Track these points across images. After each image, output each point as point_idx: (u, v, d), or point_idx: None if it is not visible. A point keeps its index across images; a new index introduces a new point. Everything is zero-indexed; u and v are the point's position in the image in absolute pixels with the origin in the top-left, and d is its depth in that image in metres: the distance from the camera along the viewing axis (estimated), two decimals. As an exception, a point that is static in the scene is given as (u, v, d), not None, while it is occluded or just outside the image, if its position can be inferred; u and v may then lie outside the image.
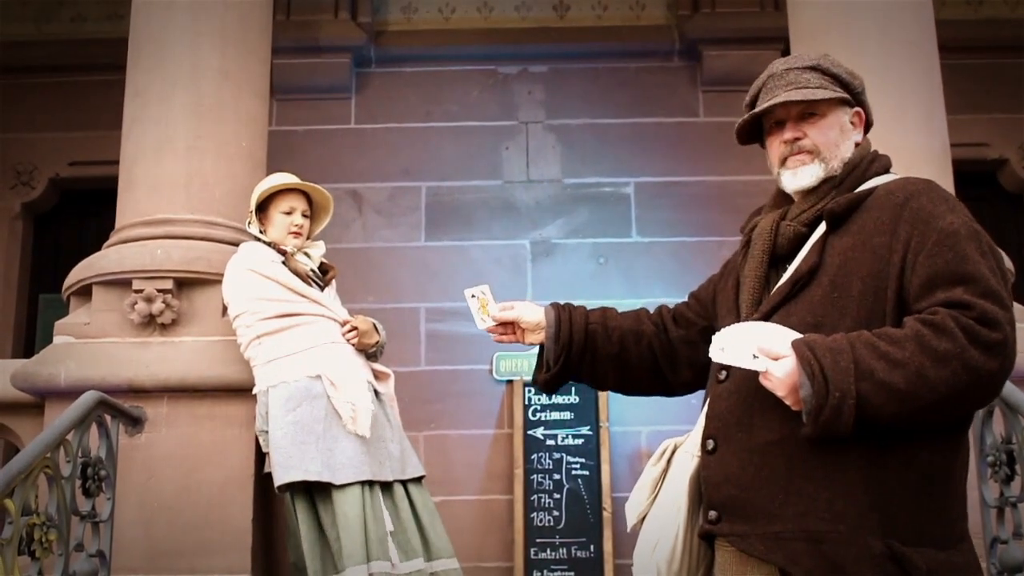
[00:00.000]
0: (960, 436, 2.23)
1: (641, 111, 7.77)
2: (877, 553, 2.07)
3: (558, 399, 7.13)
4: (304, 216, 4.58)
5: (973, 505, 4.20)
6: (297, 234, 4.54)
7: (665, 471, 2.43)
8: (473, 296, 2.75)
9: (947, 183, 5.08)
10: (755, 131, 2.57)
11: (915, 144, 4.99)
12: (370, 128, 7.98)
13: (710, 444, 2.28)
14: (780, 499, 2.15)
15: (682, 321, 2.70)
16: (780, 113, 2.45)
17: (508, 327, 2.74)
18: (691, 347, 2.66)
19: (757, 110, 2.46)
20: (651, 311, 2.78)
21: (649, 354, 2.69)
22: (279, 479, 4.16)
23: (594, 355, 2.68)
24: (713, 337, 2.23)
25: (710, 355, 2.22)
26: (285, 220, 4.53)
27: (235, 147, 5.13)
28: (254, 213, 4.55)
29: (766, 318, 2.28)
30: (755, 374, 2.18)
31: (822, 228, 2.34)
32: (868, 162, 2.48)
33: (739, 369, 2.23)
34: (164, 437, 4.66)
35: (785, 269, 2.36)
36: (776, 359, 2.13)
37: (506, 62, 8.13)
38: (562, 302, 2.76)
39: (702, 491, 2.30)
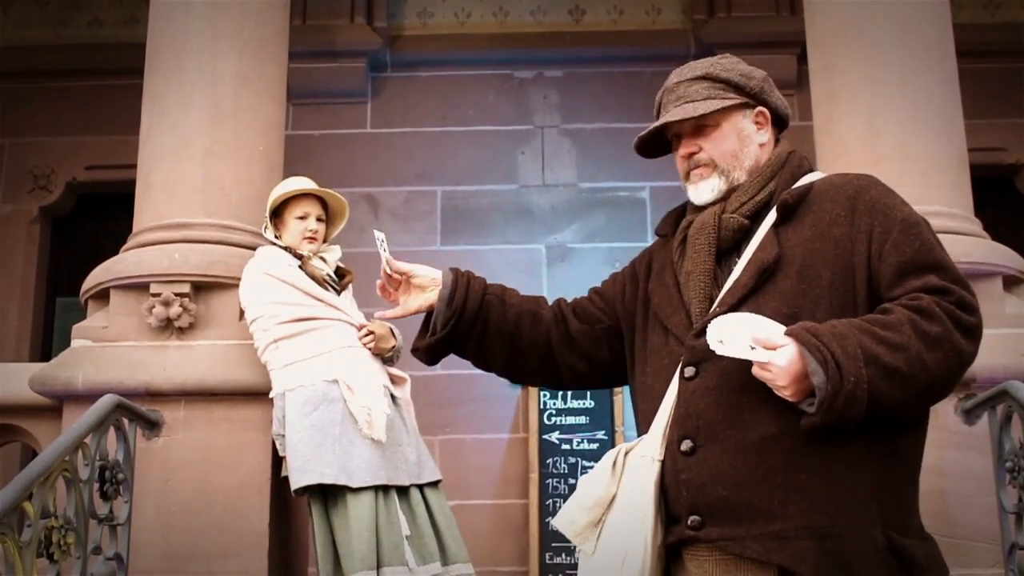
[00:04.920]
0: (925, 427, 2.25)
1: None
2: (880, 546, 2.07)
3: (574, 403, 7.13)
4: (319, 221, 4.59)
5: (991, 511, 4.22)
6: (312, 239, 4.55)
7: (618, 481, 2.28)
8: (381, 241, 2.60)
9: (965, 189, 5.07)
10: (665, 144, 2.54)
11: (933, 150, 4.98)
12: (386, 132, 8.00)
13: (686, 445, 2.16)
14: (779, 497, 2.07)
15: (584, 316, 2.59)
16: (676, 128, 2.43)
17: (397, 282, 2.57)
18: (593, 343, 2.57)
19: (645, 133, 2.46)
20: (548, 301, 2.67)
21: (544, 340, 2.55)
22: (295, 482, 4.17)
23: (486, 327, 2.52)
24: (708, 328, 2.12)
25: (712, 348, 2.08)
26: (299, 225, 4.54)
27: (252, 151, 5.14)
28: (269, 218, 4.57)
29: (733, 311, 2.19)
30: (737, 368, 2.12)
31: (769, 220, 2.30)
32: (799, 158, 2.44)
33: (715, 364, 2.16)
34: (181, 440, 4.67)
35: (731, 263, 2.31)
36: (772, 349, 2.05)
37: (522, 66, 8.15)
38: (462, 269, 2.60)
39: (672, 496, 2.18)
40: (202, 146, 5.04)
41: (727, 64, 2.44)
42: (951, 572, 2.19)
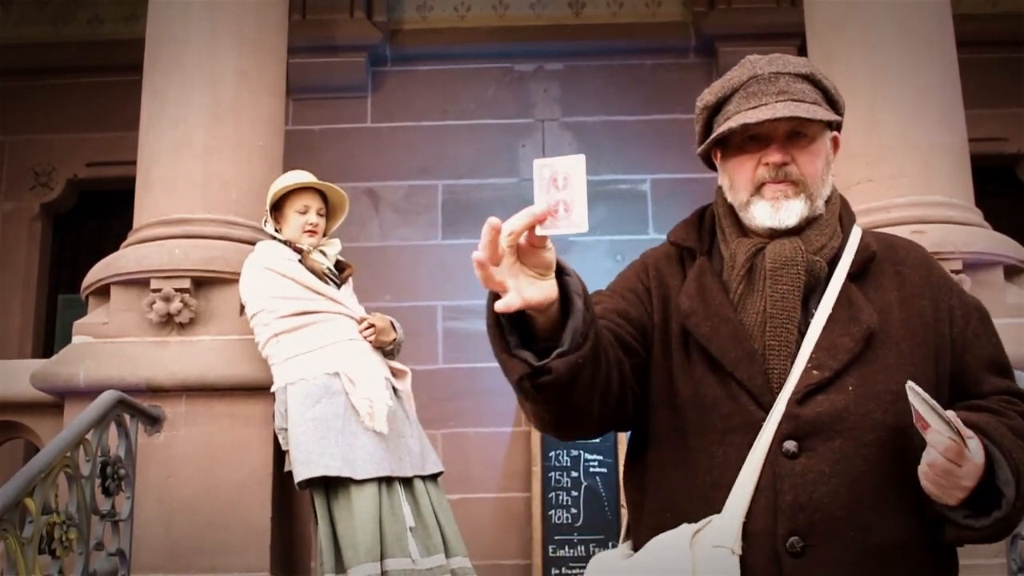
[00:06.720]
0: None
1: (657, 108, 7.76)
2: None
3: (576, 396, 7.12)
4: (319, 215, 4.59)
5: (993, 501, 4.21)
6: (312, 232, 4.55)
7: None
8: (546, 166, 1.64)
9: (966, 179, 5.07)
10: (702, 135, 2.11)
11: (934, 139, 4.98)
12: (386, 127, 7.99)
13: (796, 543, 1.78)
14: None
15: (624, 346, 1.93)
16: (766, 127, 1.96)
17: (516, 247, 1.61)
18: (631, 379, 1.92)
19: (752, 120, 1.92)
20: None
21: (620, 372, 1.87)
22: (299, 475, 4.17)
23: (595, 348, 1.72)
24: (913, 394, 1.73)
25: (942, 419, 1.69)
26: (300, 219, 4.54)
27: (252, 147, 5.14)
28: (269, 212, 4.57)
29: (838, 376, 1.86)
30: (854, 451, 1.81)
31: (841, 272, 1.97)
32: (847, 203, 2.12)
33: (824, 444, 1.82)
34: (183, 436, 4.68)
35: (807, 312, 1.94)
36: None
37: (522, 60, 8.13)
38: None
39: None
40: (202, 142, 5.05)
41: (820, 70, 2.07)
42: (953, 562, 2.15)
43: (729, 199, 2.05)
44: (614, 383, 1.82)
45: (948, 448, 1.69)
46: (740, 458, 1.83)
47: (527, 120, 8.02)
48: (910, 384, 1.73)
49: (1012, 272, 4.95)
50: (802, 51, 6.37)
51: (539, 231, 1.59)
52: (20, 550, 3.28)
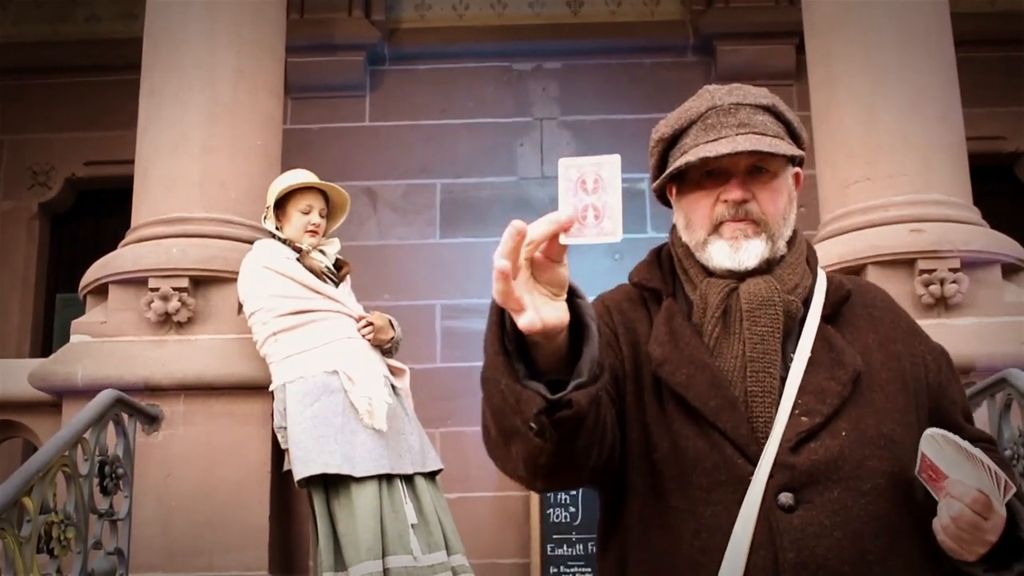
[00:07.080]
0: None
1: (655, 107, 7.72)
2: None
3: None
4: (321, 215, 4.59)
5: (991, 499, 4.21)
6: (314, 232, 4.55)
7: None
8: (573, 166, 1.46)
9: (964, 178, 5.07)
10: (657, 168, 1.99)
11: (932, 138, 4.98)
12: (384, 126, 7.98)
13: None
14: None
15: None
16: (725, 162, 1.84)
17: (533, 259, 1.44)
18: (614, 433, 1.75)
19: (712, 154, 1.80)
20: None
21: (610, 418, 1.72)
22: (299, 473, 4.17)
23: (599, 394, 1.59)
24: (966, 445, 1.64)
25: (985, 469, 1.59)
26: (303, 219, 4.54)
27: (250, 146, 5.14)
28: (271, 209, 4.57)
29: (829, 421, 1.74)
30: (853, 501, 1.69)
31: (814, 314, 1.86)
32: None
33: (822, 494, 1.69)
34: (181, 435, 4.68)
35: (785, 355, 1.81)
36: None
37: (520, 59, 8.13)
38: None
39: None
40: (200, 141, 5.05)
41: (781, 102, 1.95)
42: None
43: (684, 238, 1.93)
44: (607, 429, 1.68)
45: (976, 500, 1.60)
46: (731, 517, 1.68)
47: (526, 119, 8.01)
48: (938, 431, 1.66)
49: (1010, 270, 4.95)
50: (800, 50, 6.37)
51: (563, 240, 1.41)
52: (18, 549, 3.28)
